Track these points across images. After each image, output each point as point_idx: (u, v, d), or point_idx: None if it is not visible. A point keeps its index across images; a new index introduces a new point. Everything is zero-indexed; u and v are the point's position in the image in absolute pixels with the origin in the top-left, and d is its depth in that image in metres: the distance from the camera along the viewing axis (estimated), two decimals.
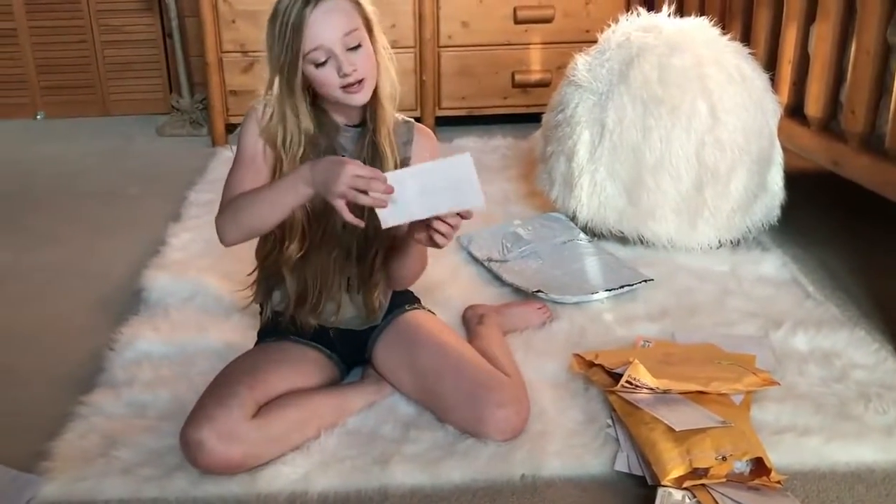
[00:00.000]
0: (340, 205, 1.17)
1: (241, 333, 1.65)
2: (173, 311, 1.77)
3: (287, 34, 1.24)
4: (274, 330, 1.47)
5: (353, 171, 1.16)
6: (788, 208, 2.13)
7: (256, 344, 1.50)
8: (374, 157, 1.35)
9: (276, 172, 1.34)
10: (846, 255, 2.05)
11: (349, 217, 1.18)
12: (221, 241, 1.35)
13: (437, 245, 1.26)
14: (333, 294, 1.42)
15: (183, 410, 1.39)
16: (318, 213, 1.36)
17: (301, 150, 1.32)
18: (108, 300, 1.89)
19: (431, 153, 1.41)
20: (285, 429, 1.30)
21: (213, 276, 1.89)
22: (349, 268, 1.42)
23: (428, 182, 1.20)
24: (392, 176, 1.19)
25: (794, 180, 2.15)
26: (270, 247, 1.40)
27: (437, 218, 1.23)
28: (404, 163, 1.39)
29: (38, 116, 3.46)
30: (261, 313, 1.51)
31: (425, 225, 1.25)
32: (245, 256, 2.02)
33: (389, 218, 1.20)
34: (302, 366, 1.41)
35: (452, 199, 1.21)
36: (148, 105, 3.48)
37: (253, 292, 1.48)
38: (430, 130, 1.47)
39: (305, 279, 1.40)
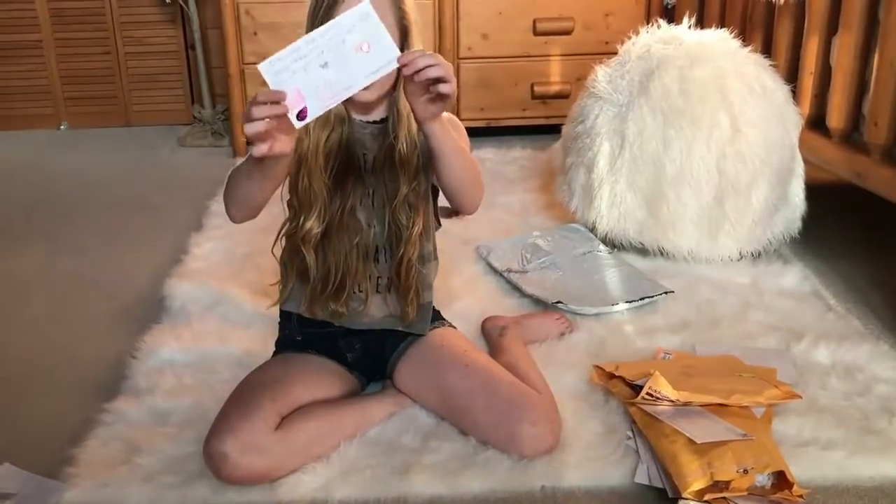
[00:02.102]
0: (259, 150, 1.11)
1: (261, 342, 1.65)
2: (195, 320, 1.78)
3: (321, 11, 1.26)
4: (293, 343, 1.47)
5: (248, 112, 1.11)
6: (809, 220, 2.12)
7: (275, 354, 1.50)
8: (391, 157, 1.35)
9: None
10: (868, 268, 2.04)
11: (261, 152, 1.11)
12: (229, 218, 1.37)
13: (443, 97, 1.16)
14: (359, 282, 1.40)
15: (204, 418, 1.41)
16: (337, 186, 1.36)
17: (313, 137, 1.32)
18: (130, 308, 1.91)
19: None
20: (308, 441, 1.30)
21: (234, 285, 1.91)
22: (378, 267, 1.41)
23: (322, 57, 1.12)
24: (272, 70, 1.11)
25: (815, 192, 2.14)
26: (292, 224, 1.39)
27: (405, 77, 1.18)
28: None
29: (62, 127, 3.50)
30: (280, 325, 1.52)
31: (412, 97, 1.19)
32: (266, 266, 2.03)
33: (308, 112, 1.14)
34: (324, 377, 1.41)
35: (366, 65, 1.14)
36: (170, 116, 3.52)
37: (280, 289, 1.47)
38: (456, 119, 1.43)
39: (328, 263, 1.38)
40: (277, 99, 1.10)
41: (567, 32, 3.07)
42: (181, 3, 3.24)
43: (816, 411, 1.45)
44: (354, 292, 1.41)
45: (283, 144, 1.13)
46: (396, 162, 1.34)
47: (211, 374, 1.59)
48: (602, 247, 2.09)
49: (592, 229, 2.12)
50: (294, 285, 1.44)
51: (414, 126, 1.32)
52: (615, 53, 2.19)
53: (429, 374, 1.42)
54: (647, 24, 2.19)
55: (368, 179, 1.38)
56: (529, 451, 1.31)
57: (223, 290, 1.89)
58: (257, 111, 1.09)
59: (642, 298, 1.83)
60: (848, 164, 1.91)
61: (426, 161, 1.34)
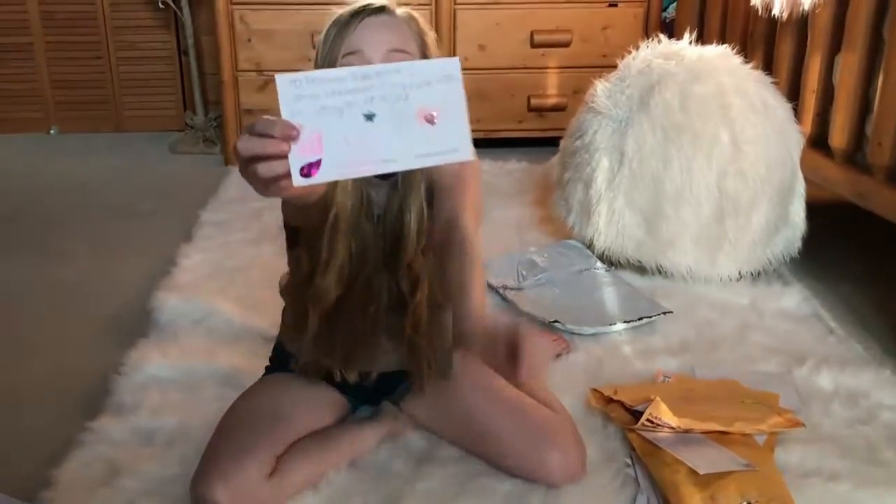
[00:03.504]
0: (268, 192, 0.84)
1: (249, 359, 1.61)
2: (182, 335, 1.74)
3: (332, 36, 1.17)
4: (286, 364, 1.38)
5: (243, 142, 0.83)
6: (809, 240, 2.09)
7: (267, 372, 1.43)
8: (400, 221, 1.22)
9: None
10: (869, 290, 2.00)
11: (271, 195, 0.85)
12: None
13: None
14: (369, 350, 1.29)
15: (190, 438, 1.37)
16: (359, 251, 1.22)
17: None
18: (117, 321, 1.86)
19: (458, 186, 1.24)
20: (302, 481, 1.24)
21: (224, 298, 1.86)
22: (390, 327, 1.29)
23: (370, 105, 0.84)
24: (292, 91, 0.82)
25: (816, 212, 2.11)
26: (302, 273, 1.24)
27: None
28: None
29: (52, 131, 3.45)
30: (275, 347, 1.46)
31: None
32: (255, 280, 1.99)
33: (318, 172, 0.83)
34: (321, 406, 1.34)
35: (423, 140, 0.85)
36: (162, 122, 3.47)
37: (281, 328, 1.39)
38: (474, 166, 1.28)
39: (333, 334, 1.26)
40: (285, 136, 0.80)
41: (565, 45, 3.04)
42: (175, 7, 3.20)
43: (820, 440, 1.41)
44: (361, 359, 1.31)
45: (292, 188, 0.83)
46: (402, 226, 1.23)
47: (197, 391, 1.54)
48: (599, 264, 2.05)
49: (590, 246, 2.09)
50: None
51: (422, 193, 1.22)
52: (613, 67, 2.16)
53: (450, 400, 1.34)
54: (646, 38, 2.16)
55: (378, 242, 1.25)
56: (560, 479, 1.26)
57: (212, 303, 1.84)
58: (246, 145, 0.80)
59: (641, 318, 1.80)
60: (850, 185, 1.88)
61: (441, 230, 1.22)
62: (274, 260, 1.87)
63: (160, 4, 3.20)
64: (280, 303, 1.41)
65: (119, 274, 2.11)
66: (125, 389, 1.55)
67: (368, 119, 0.84)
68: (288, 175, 0.81)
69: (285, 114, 0.81)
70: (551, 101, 3.09)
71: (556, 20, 3.02)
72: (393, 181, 1.23)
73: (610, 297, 1.91)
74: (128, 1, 3.31)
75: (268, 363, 1.45)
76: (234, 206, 2.54)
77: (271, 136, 0.80)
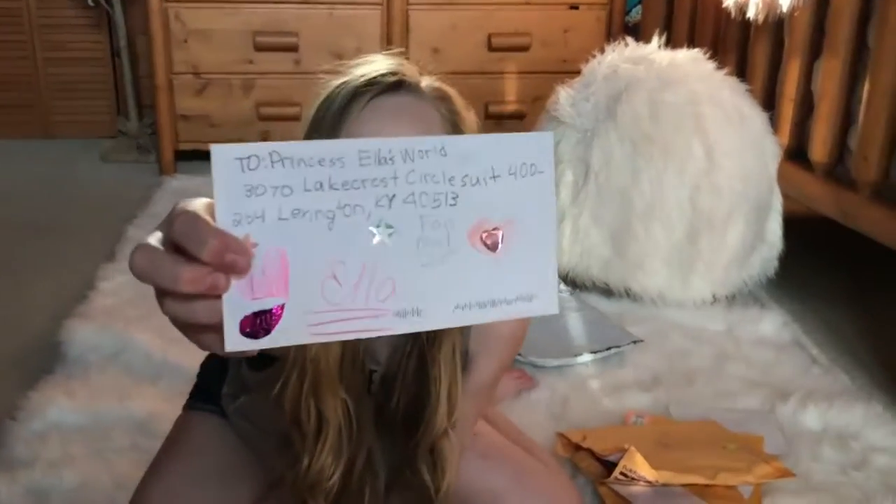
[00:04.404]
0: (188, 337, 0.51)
1: (169, 402, 1.40)
2: (94, 372, 1.53)
3: (325, 118, 0.81)
4: (211, 394, 1.09)
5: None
6: (786, 259, 1.95)
7: (188, 408, 1.12)
8: (419, 389, 0.87)
9: None
10: (852, 313, 1.87)
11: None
12: None
13: None
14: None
15: (91, 500, 1.19)
16: (356, 413, 0.87)
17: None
18: (20, 355, 1.63)
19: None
20: None
21: (144, 329, 1.65)
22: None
23: (377, 213, 0.50)
24: (236, 174, 0.47)
25: (791, 227, 1.96)
26: (286, 469, 0.88)
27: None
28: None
29: None
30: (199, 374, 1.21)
31: None
32: None
33: (278, 323, 0.48)
34: (249, 478, 1.03)
35: (476, 283, 0.52)
36: (94, 128, 3.22)
37: None
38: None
39: None
40: (221, 261, 0.46)
41: (524, 48, 2.88)
42: (106, 6, 2.97)
43: (811, 490, 1.27)
44: None
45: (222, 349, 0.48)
46: (431, 399, 0.86)
47: (105, 440, 1.33)
48: (563, 286, 1.88)
49: None
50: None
51: (457, 354, 0.87)
52: (574, 72, 2.00)
53: None
54: (608, 41, 2.00)
55: (369, 407, 0.91)
56: None
57: (130, 334, 1.63)
58: (147, 266, 0.47)
59: (609, 349, 1.63)
60: (834, 202, 1.74)
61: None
62: None
63: (90, 2, 2.96)
64: None
65: (29, 298, 1.89)
66: (19, 439, 1.33)
67: (380, 237, 0.50)
68: (215, 328, 0.47)
69: (225, 218, 0.47)
70: (510, 107, 2.92)
71: (515, 23, 2.85)
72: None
73: (575, 323, 1.74)
74: None
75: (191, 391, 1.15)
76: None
77: (196, 259, 0.45)
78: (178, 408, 1.25)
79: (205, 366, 1.15)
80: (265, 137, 2.76)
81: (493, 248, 0.52)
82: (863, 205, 1.66)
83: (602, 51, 1.97)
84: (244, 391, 1.02)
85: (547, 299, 0.53)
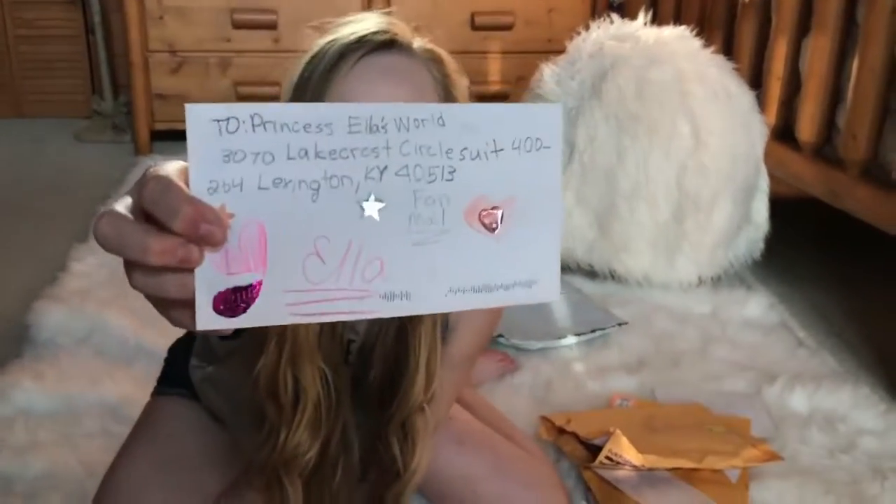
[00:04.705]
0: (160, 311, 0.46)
1: (143, 386, 1.34)
2: (63, 355, 1.48)
3: (311, 78, 0.76)
4: (179, 378, 1.05)
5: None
6: (772, 241, 1.92)
7: (156, 394, 1.09)
8: (397, 362, 0.84)
9: None
10: (839, 294, 1.84)
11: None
12: None
13: None
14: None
15: (59, 488, 1.14)
16: (335, 384, 0.84)
17: None
18: None
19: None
20: None
21: (117, 310, 1.60)
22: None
23: (367, 184, 0.46)
24: (215, 137, 0.43)
25: (778, 208, 1.94)
26: (263, 443, 0.83)
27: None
28: None
29: None
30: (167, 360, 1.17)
31: None
32: None
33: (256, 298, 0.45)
34: (219, 462, 0.99)
35: (472, 266, 0.48)
36: (68, 107, 3.15)
37: None
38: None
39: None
40: (195, 233, 0.42)
41: (507, 27, 2.83)
42: None
43: (799, 473, 1.24)
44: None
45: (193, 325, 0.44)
46: (408, 372, 0.83)
47: (74, 425, 1.29)
48: None
49: None
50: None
51: (438, 328, 0.85)
52: (559, 52, 1.96)
53: None
54: (592, 19, 1.96)
55: (347, 380, 0.88)
56: None
57: (101, 317, 1.58)
58: (115, 236, 0.42)
59: (593, 331, 1.60)
60: (822, 182, 1.71)
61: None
62: None
63: None
64: None
65: None
66: None
67: (368, 212, 0.46)
68: (187, 304, 0.43)
69: (200, 185, 0.43)
70: (494, 87, 2.88)
71: (499, 1, 2.81)
72: None
73: (559, 306, 1.70)
74: None
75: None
76: None
77: (167, 228, 0.42)
78: (149, 392, 1.21)
79: (172, 350, 1.10)
80: None
81: (491, 228, 0.48)
82: (851, 184, 1.63)
83: (587, 28, 1.93)
84: (213, 361, 0.98)
85: (548, 286, 0.50)
